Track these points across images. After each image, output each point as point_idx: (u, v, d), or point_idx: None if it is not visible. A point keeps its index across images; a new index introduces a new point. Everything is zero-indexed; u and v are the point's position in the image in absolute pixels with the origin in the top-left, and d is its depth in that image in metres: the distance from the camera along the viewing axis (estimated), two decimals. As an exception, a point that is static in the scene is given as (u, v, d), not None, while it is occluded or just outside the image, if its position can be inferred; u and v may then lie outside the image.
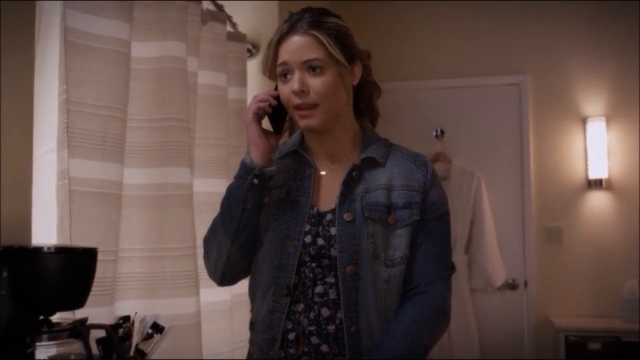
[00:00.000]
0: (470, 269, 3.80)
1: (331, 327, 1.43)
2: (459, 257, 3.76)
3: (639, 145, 3.73)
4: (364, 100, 1.60)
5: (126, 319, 1.48)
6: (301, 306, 1.45)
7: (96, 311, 1.63)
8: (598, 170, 3.74)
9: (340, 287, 1.42)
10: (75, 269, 1.29)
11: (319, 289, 1.44)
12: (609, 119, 3.77)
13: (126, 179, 1.80)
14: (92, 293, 1.63)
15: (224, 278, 1.55)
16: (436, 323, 1.47)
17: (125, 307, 1.82)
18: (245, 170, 1.45)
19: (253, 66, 2.63)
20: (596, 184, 3.75)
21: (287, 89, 1.43)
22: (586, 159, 3.79)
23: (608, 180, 3.74)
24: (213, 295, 2.16)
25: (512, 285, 3.84)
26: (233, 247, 1.48)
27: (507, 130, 3.92)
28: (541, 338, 3.77)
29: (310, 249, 1.45)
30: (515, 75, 3.93)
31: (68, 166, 1.54)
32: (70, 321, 1.32)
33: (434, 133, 3.95)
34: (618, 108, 3.78)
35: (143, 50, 1.88)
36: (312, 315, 1.44)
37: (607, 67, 3.80)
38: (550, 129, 3.87)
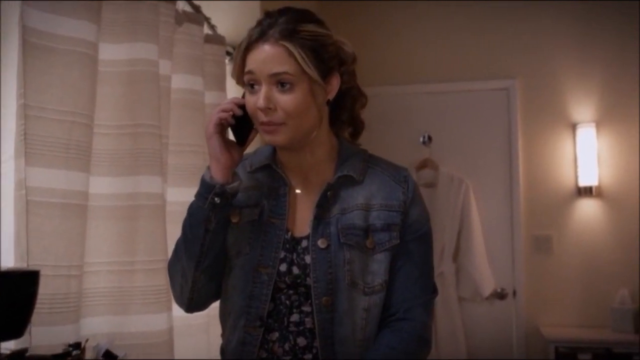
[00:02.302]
0: (458, 277, 3.73)
1: (308, 357, 1.34)
2: (446, 266, 3.69)
3: (629, 152, 3.68)
4: (346, 111, 1.45)
5: (76, 346, 1.37)
6: (276, 335, 1.35)
7: (60, 329, 1.55)
8: (588, 177, 3.68)
9: (315, 319, 1.33)
10: (10, 295, 1.18)
11: (294, 317, 1.35)
12: (599, 125, 3.71)
13: (93, 188, 1.71)
14: (55, 310, 1.55)
15: (192, 305, 1.44)
16: (416, 351, 1.37)
17: (92, 324, 1.73)
18: (206, 188, 1.32)
19: (233, 70, 2.53)
20: (586, 192, 3.69)
21: (253, 102, 1.29)
22: (576, 166, 3.73)
23: (598, 188, 3.68)
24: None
25: (500, 295, 3.77)
26: (198, 272, 1.36)
27: (496, 136, 3.86)
28: (530, 349, 3.71)
29: (286, 278, 1.35)
30: (504, 80, 3.87)
31: (25, 175, 1.44)
32: (8, 352, 1.21)
33: (421, 139, 3.88)
34: (608, 114, 3.72)
35: (112, 52, 1.79)
36: (287, 345, 1.34)
37: (597, 73, 3.75)
38: (540, 135, 3.81)
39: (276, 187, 1.40)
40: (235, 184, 1.33)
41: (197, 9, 2.28)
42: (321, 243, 1.34)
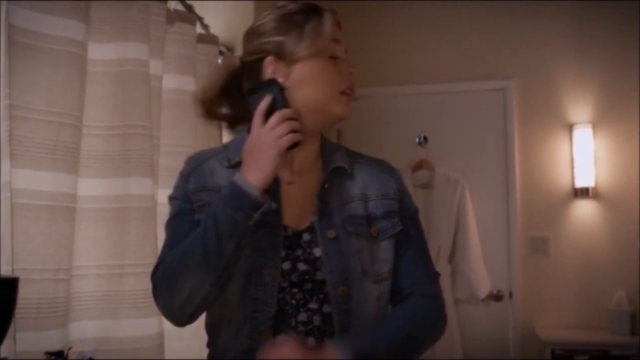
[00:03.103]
0: (454, 279, 3.70)
1: None
2: (442, 267, 3.67)
3: (626, 153, 3.66)
4: None
5: (59, 354, 1.33)
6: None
7: (47, 335, 1.52)
8: (585, 178, 3.65)
9: (334, 310, 1.29)
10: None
11: (302, 316, 1.30)
12: (595, 126, 3.69)
13: (82, 190, 1.68)
14: (42, 315, 1.52)
15: (191, 320, 1.30)
16: (437, 325, 1.37)
17: (81, 328, 1.70)
18: (251, 203, 1.21)
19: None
20: (583, 193, 3.67)
21: (337, 71, 1.32)
22: (572, 167, 3.70)
23: (595, 189, 3.66)
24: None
25: (496, 296, 3.74)
26: (214, 288, 1.25)
27: (492, 136, 3.83)
28: (527, 351, 3.68)
29: (292, 276, 1.30)
30: (500, 80, 3.84)
31: (10, 178, 1.41)
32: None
33: (417, 140, 3.85)
34: (605, 114, 3.70)
35: (101, 52, 1.76)
36: None
37: (594, 73, 3.72)
38: (536, 135, 3.79)
39: None
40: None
41: (189, 8, 2.25)
42: (330, 234, 1.31)
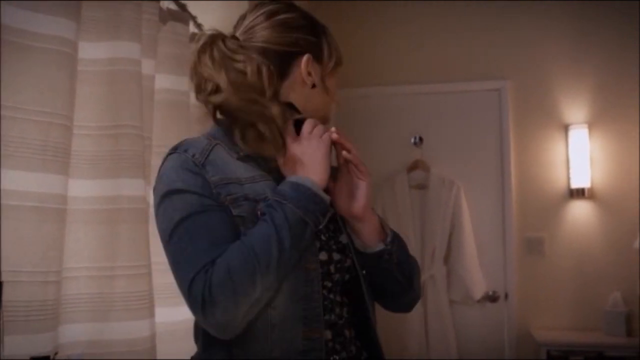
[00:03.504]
0: (449, 280, 3.70)
1: (353, 349, 1.33)
2: (437, 269, 3.66)
3: (622, 153, 3.66)
4: None
5: (44, 359, 1.31)
6: (329, 333, 1.28)
7: (37, 338, 1.49)
8: (580, 179, 3.65)
9: (365, 291, 1.36)
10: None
11: (337, 310, 1.32)
12: (591, 127, 3.69)
13: (73, 191, 1.65)
14: (31, 318, 1.49)
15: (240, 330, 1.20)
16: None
17: (71, 331, 1.67)
18: (319, 206, 1.22)
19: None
20: (578, 193, 3.66)
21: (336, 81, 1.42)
22: (568, 168, 3.70)
23: (590, 190, 3.65)
24: (173, 314, 2.01)
25: (492, 298, 3.74)
26: (272, 292, 1.19)
27: (488, 137, 3.83)
28: (522, 352, 3.67)
29: (331, 267, 1.30)
30: (496, 80, 3.84)
31: (-1, 178, 1.38)
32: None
33: (412, 140, 3.85)
34: (601, 115, 3.70)
35: (92, 51, 1.73)
36: (341, 339, 1.31)
37: (590, 74, 3.72)
38: (532, 136, 3.78)
39: (271, 176, 1.30)
40: None
41: (182, 7, 2.23)
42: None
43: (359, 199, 1.33)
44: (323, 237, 1.31)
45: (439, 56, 3.91)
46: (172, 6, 2.17)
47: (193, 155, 1.25)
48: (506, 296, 3.74)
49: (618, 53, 3.69)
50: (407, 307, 1.51)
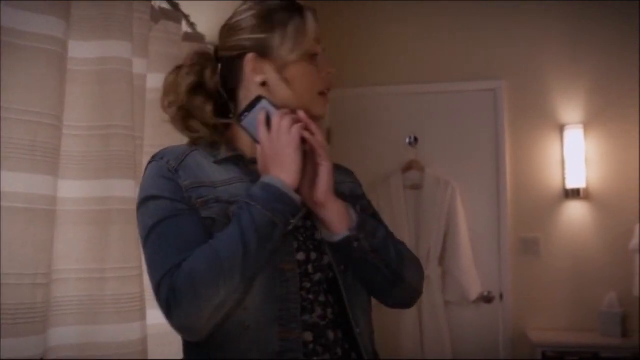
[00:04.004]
0: (445, 281, 3.69)
1: (339, 351, 1.29)
2: (432, 269, 3.65)
3: (617, 153, 3.65)
4: None
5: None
6: (310, 335, 1.26)
7: (25, 341, 1.46)
8: (576, 179, 3.64)
9: (342, 289, 1.30)
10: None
11: (318, 311, 1.28)
12: (587, 127, 3.68)
13: (62, 192, 1.63)
14: (20, 321, 1.46)
15: (208, 333, 1.20)
16: (414, 262, 1.41)
17: (61, 334, 1.65)
18: (292, 207, 1.20)
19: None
20: (574, 194, 3.66)
21: (316, 71, 1.32)
22: (563, 168, 3.69)
23: (586, 190, 3.64)
24: (164, 317, 1.98)
25: (487, 298, 3.73)
26: (243, 293, 1.19)
27: (483, 137, 3.81)
28: (517, 353, 3.67)
29: (309, 267, 1.29)
30: (491, 80, 3.83)
31: (-15, 180, 1.36)
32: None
33: (407, 140, 3.83)
34: (596, 115, 3.69)
35: (83, 50, 1.70)
36: (323, 340, 1.27)
37: (586, 74, 3.71)
38: (527, 136, 3.77)
39: (252, 179, 1.30)
40: None
41: (175, 6, 2.21)
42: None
43: (318, 185, 1.26)
44: (301, 237, 1.30)
45: (434, 56, 3.90)
46: (165, 5, 2.15)
47: (167, 162, 1.29)
48: (501, 297, 3.73)
49: (614, 53, 3.68)
50: (404, 302, 1.43)
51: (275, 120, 1.26)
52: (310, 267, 1.29)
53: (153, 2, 2.03)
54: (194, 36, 2.36)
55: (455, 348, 3.66)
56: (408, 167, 3.77)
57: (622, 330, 3.44)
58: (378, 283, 1.34)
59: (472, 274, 3.66)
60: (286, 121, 1.25)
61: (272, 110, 1.28)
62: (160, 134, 2.05)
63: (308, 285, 1.28)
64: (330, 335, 1.28)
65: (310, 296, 1.27)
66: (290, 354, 1.21)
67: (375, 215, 1.46)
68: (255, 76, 1.31)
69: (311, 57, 1.31)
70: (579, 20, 3.75)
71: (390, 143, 3.86)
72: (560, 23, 3.78)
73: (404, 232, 3.65)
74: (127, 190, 1.75)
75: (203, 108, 1.35)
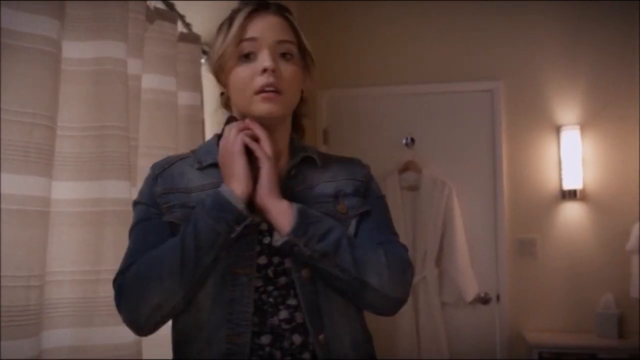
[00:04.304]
0: (441, 282, 3.68)
1: (306, 356, 1.26)
2: (429, 270, 3.64)
3: (614, 154, 3.64)
4: (298, 112, 1.45)
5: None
6: (269, 338, 1.26)
7: (19, 344, 1.45)
8: (572, 180, 3.64)
9: (299, 293, 1.27)
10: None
11: (283, 314, 1.27)
12: (583, 128, 3.67)
13: (56, 193, 1.62)
14: (13, 323, 1.46)
15: (154, 330, 1.28)
16: (402, 267, 1.32)
17: (54, 337, 1.64)
18: (234, 215, 1.21)
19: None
20: (570, 195, 3.65)
21: (250, 69, 1.27)
22: (560, 169, 3.68)
23: (583, 191, 3.64)
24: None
25: (484, 299, 3.72)
26: (186, 298, 1.23)
27: (480, 138, 3.80)
28: (514, 354, 3.66)
29: (269, 271, 1.28)
30: (489, 81, 3.82)
31: (-22, 181, 1.35)
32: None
33: (404, 141, 3.82)
34: (593, 116, 3.68)
35: (77, 50, 1.70)
36: (285, 344, 1.26)
37: (583, 75, 3.70)
38: (524, 137, 3.76)
39: None
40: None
41: (170, 6, 2.20)
42: None
43: (257, 188, 1.25)
44: (265, 241, 1.29)
45: (431, 56, 3.89)
46: (160, 5, 2.14)
47: (153, 170, 1.38)
48: (498, 298, 3.72)
49: (611, 54, 3.68)
50: (379, 309, 1.32)
51: (225, 131, 1.30)
52: (270, 271, 1.28)
53: (148, 2, 2.02)
54: (190, 36, 2.35)
55: (451, 349, 3.65)
56: (405, 168, 3.76)
57: (618, 331, 3.44)
58: (340, 288, 1.28)
59: (468, 275, 3.65)
60: (232, 131, 1.28)
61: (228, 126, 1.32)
62: (156, 135, 2.04)
63: (270, 288, 1.28)
64: (297, 339, 1.27)
65: (271, 299, 1.27)
66: (234, 356, 1.23)
67: (370, 214, 1.38)
68: (218, 87, 1.38)
69: (244, 58, 1.28)
70: (576, 21, 3.74)
71: (387, 144, 3.85)
72: (558, 24, 3.77)
73: (400, 233, 3.61)
74: (122, 191, 1.74)
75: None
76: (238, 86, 1.29)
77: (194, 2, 2.52)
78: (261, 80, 1.26)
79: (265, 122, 1.30)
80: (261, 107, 1.27)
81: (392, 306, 1.31)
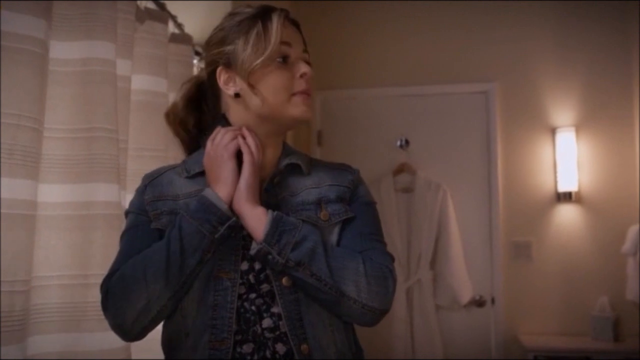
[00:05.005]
0: (436, 285, 3.65)
1: None
2: (424, 273, 3.61)
3: (609, 157, 3.63)
4: None
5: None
6: (251, 346, 1.24)
7: (3, 350, 1.42)
8: (567, 182, 3.62)
9: (279, 302, 1.24)
10: None
11: (266, 322, 1.25)
12: (578, 129, 3.66)
13: (44, 196, 1.59)
14: (-2, 329, 1.43)
15: (143, 335, 1.26)
16: (382, 276, 1.25)
17: (41, 343, 1.61)
18: (218, 217, 1.21)
19: (201, 71, 2.43)
20: (566, 197, 3.63)
21: (289, 73, 1.29)
22: (555, 171, 3.66)
23: (578, 193, 3.62)
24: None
25: (479, 302, 3.70)
26: (171, 300, 1.22)
27: (475, 140, 3.78)
28: (509, 357, 3.63)
29: (250, 277, 1.26)
30: (483, 83, 3.80)
31: (-40, 184, 1.32)
32: None
33: (398, 143, 3.80)
34: (588, 118, 3.67)
35: (65, 50, 1.67)
36: (268, 353, 1.24)
37: (577, 76, 3.69)
38: (519, 139, 3.74)
39: None
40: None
41: (161, 6, 2.17)
42: None
43: (235, 193, 1.25)
44: (245, 248, 1.27)
45: (426, 58, 3.87)
46: (151, 5, 2.11)
47: (143, 180, 1.38)
48: (493, 301, 3.70)
49: (606, 56, 3.67)
50: (358, 319, 1.27)
51: (215, 131, 1.31)
52: (251, 277, 1.26)
53: (138, 2, 2.00)
54: (181, 37, 2.32)
55: (446, 352, 3.62)
56: (399, 169, 3.74)
57: (613, 334, 3.42)
58: (317, 297, 1.24)
59: (463, 278, 3.63)
60: (225, 136, 1.28)
61: (219, 128, 1.32)
62: (146, 137, 2.02)
63: (253, 295, 1.26)
64: (280, 348, 1.24)
65: (253, 307, 1.25)
66: None
67: (355, 221, 1.33)
68: (227, 88, 1.33)
69: (279, 61, 1.29)
70: (571, 22, 3.73)
71: (381, 145, 3.82)
72: (553, 26, 3.76)
73: (395, 236, 3.62)
74: (111, 194, 1.71)
75: (187, 120, 1.43)
76: (277, 87, 1.29)
77: (187, 2, 2.50)
78: (300, 85, 1.29)
79: (292, 126, 1.35)
80: (300, 108, 1.30)
81: (371, 317, 1.24)
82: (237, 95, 1.31)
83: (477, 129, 3.79)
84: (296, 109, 1.29)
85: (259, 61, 1.26)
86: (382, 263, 1.27)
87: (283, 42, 1.28)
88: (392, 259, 1.32)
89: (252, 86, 1.29)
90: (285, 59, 1.29)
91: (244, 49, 1.28)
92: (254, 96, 1.29)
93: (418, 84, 3.86)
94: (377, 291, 1.23)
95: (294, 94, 1.29)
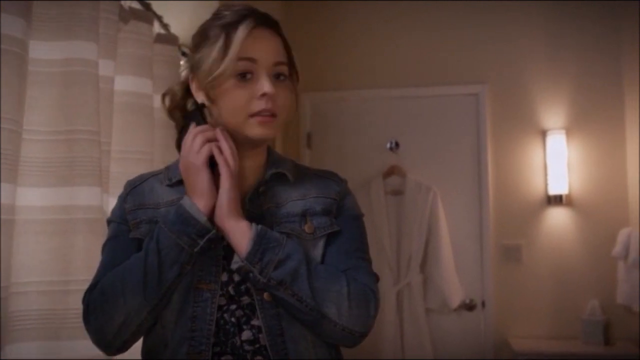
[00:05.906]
0: (426, 288, 3.62)
1: None
2: (413, 276, 3.59)
3: (600, 159, 3.61)
4: None
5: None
6: (229, 358, 1.21)
7: (-20, 358, 1.39)
8: (558, 185, 3.60)
9: (260, 316, 1.21)
10: None
11: (246, 334, 1.22)
12: (569, 132, 3.64)
13: (23, 200, 1.55)
14: (-26, 337, 1.39)
15: (124, 348, 1.24)
16: (364, 298, 1.22)
17: (20, 350, 1.56)
18: (197, 229, 1.17)
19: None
20: (556, 200, 3.61)
21: (247, 92, 1.21)
22: (546, 174, 3.65)
23: (568, 196, 3.60)
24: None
25: (469, 306, 3.67)
26: (151, 314, 1.20)
27: (465, 142, 3.76)
28: (499, 361, 3.61)
29: (229, 288, 1.23)
30: (474, 85, 3.78)
31: None
32: None
33: (388, 145, 3.77)
34: (579, 121, 3.65)
35: (45, 51, 1.63)
36: None
37: (568, 79, 3.67)
38: (509, 141, 3.72)
39: None
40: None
41: (146, 6, 2.13)
42: None
43: (216, 207, 1.20)
44: (226, 259, 1.24)
45: (416, 60, 3.84)
46: (136, 5, 2.07)
47: (124, 188, 1.35)
48: (483, 304, 3.67)
49: (596, 58, 3.65)
50: (338, 341, 1.25)
51: (186, 137, 1.23)
52: (231, 289, 1.23)
53: (123, 2, 1.96)
54: (167, 37, 2.28)
55: (436, 356, 3.59)
56: (389, 172, 3.71)
57: (604, 338, 3.40)
58: (297, 316, 1.20)
59: (453, 281, 3.60)
60: (197, 140, 1.21)
61: (192, 129, 1.23)
62: (130, 139, 1.98)
63: (234, 307, 1.23)
64: None
65: (233, 319, 1.22)
66: None
67: (340, 235, 1.29)
68: (197, 96, 1.28)
69: (241, 77, 1.22)
70: (562, 25, 3.71)
71: (371, 148, 3.79)
72: (544, 28, 3.74)
73: (384, 239, 3.59)
74: (92, 198, 1.67)
75: (183, 104, 1.36)
76: (233, 107, 1.23)
77: (173, 2, 2.46)
78: (259, 105, 1.21)
79: (254, 143, 1.27)
80: (257, 130, 1.23)
81: (351, 340, 1.21)
82: (203, 105, 1.27)
83: (468, 132, 3.77)
84: (252, 130, 1.22)
85: (210, 78, 1.21)
86: (366, 284, 1.23)
87: (244, 59, 1.21)
88: (377, 279, 1.28)
89: (213, 100, 1.25)
90: (244, 76, 1.22)
91: (206, 61, 1.22)
92: (217, 108, 1.25)
93: (408, 85, 3.83)
94: (359, 314, 1.20)
95: (252, 115, 1.22)
